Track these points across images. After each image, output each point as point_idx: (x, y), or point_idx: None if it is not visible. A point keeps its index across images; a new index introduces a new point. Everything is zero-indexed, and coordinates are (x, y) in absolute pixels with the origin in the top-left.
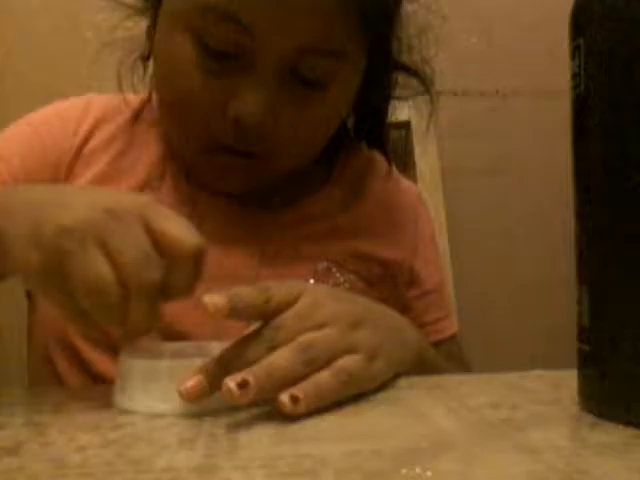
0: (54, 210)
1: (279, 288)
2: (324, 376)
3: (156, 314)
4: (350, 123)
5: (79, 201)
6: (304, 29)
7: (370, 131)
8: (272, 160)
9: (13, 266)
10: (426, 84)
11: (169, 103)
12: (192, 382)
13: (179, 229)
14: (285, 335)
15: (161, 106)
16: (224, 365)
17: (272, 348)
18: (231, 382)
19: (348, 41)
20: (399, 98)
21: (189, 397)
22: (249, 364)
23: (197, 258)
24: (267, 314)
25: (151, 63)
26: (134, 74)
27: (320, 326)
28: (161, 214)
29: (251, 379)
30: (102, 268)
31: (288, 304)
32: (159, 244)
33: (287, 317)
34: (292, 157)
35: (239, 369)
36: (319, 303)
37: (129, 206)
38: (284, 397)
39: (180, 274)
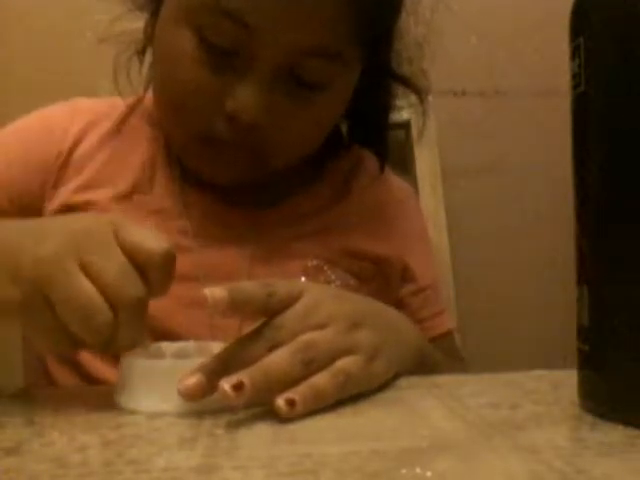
0: (28, 243)
1: (281, 285)
2: (321, 378)
3: (144, 327)
4: (344, 127)
5: (51, 230)
6: (306, 32)
7: (365, 134)
8: (264, 157)
9: None
10: (421, 96)
11: (167, 95)
12: (191, 380)
13: (148, 239)
14: (285, 335)
15: (158, 98)
16: (224, 364)
17: (272, 348)
18: (226, 384)
19: (347, 46)
20: (399, 108)
21: (188, 395)
22: (249, 364)
23: (169, 262)
24: (270, 309)
25: (147, 58)
26: (130, 70)
27: (321, 326)
28: (129, 228)
29: (246, 380)
30: (88, 289)
31: (290, 301)
32: (133, 257)
33: (288, 316)
34: (284, 156)
35: (238, 368)
36: (320, 302)
37: (98, 226)
38: (280, 401)
39: (155, 281)
